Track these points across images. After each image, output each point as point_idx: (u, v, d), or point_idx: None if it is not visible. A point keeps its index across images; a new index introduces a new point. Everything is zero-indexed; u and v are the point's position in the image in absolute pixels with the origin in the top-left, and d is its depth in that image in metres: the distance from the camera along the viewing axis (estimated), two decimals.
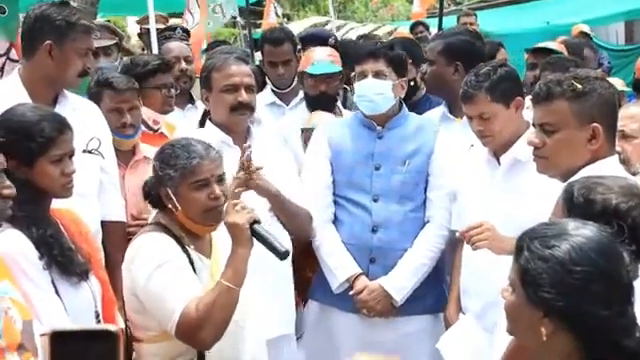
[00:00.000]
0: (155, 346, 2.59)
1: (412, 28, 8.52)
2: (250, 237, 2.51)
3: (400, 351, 3.44)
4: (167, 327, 2.51)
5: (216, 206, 2.60)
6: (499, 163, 3.19)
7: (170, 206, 2.60)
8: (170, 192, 2.59)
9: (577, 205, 1.91)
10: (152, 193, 2.67)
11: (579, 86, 2.43)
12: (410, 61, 4.04)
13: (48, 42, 3.15)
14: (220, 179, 2.64)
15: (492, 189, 3.15)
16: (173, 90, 4.06)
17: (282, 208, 3.29)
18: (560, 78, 2.49)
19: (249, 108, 3.31)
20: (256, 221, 2.53)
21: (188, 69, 4.64)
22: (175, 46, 4.85)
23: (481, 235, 2.88)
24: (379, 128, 3.51)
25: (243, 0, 7.45)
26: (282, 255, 2.54)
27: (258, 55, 6.45)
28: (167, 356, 2.59)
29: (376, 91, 3.45)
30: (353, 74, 3.58)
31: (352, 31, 11.67)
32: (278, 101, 4.55)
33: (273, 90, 4.59)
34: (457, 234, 3.14)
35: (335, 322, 3.52)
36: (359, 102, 3.51)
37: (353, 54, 3.70)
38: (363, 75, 3.46)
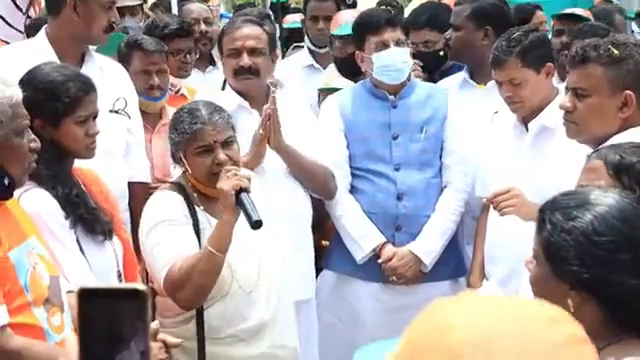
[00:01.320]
0: (164, 301, 2.67)
1: None
2: (234, 204, 2.54)
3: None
4: (157, 282, 2.62)
5: (219, 171, 2.63)
6: (527, 130, 3.15)
7: (183, 167, 2.70)
8: (181, 155, 2.67)
9: (631, 169, 1.87)
10: (173, 155, 2.76)
11: (616, 52, 2.38)
12: (436, 29, 4.00)
13: None
14: (226, 144, 2.67)
15: (519, 156, 3.11)
16: (190, 56, 4.04)
17: (301, 167, 3.27)
18: (598, 42, 2.45)
19: (253, 72, 3.26)
20: (243, 189, 2.54)
21: (208, 31, 4.62)
22: (195, 7, 4.84)
23: (509, 201, 2.85)
24: (392, 97, 3.47)
25: None
26: (253, 224, 2.53)
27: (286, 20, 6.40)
28: (173, 312, 2.67)
29: (402, 59, 3.41)
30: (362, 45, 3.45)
31: None
32: (315, 64, 4.54)
33: (311, 51, 4.57)
34: (483, 200, 3.11)
35: (354, 291, 3.50)
36: (383, 73, 3.43)
37: (365, 24, 3.57)
38: (383, 45, 3.40)
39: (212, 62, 4.65)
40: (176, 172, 2.91)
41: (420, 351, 0.94)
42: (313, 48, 4.56)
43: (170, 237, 2.61)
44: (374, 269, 3.43)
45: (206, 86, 4.22)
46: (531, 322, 0.93)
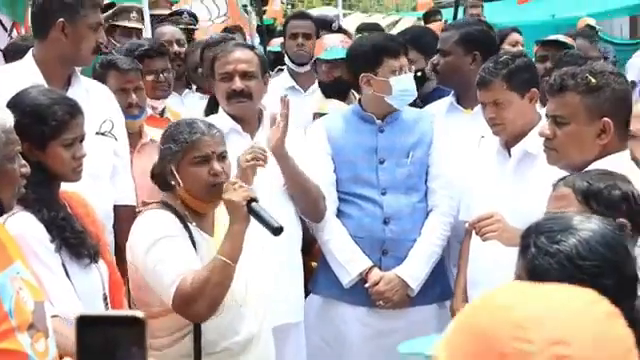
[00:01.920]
0: (157, 321, 2.63)
1: (426, 17, 8.45)
2: (246, 214, 2.58)
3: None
4: (165, 299, 2.59)
5: (216, 182, 2.66)
6: (510, 155, 3.18)
7: (173, 182, 2.67)
8: (173, 168, 2.66)
9: (599, 195, 1.90)
10: (158, 173, 2.74)
11: (593, 80, 2.43)
12: (417, 49, 4.06)
13: (60, 20, 3.16)
14: (221, 157, 2.70)
15: (502, 181, 3.15)
16: (165, 75, 4.04)
17: (296, 178, 3.29)
18: (575, 71, 2.49)
19: (245, 95, 3.29)
20: (253, 199, 2.59)
21: (181, 52, 4.67)
22: (167, 29, 4.91)
23: (491, 226, 2.88)
24: (379, 122, 3.50)
25: None
26: (275, 230, 2.59)
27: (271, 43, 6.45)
28: (169, 331, 2.65)
29: (414, 85, 3.48)
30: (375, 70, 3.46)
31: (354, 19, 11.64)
32: (296, 85, 4.59)
33: (291, 73, 4.63)
34: (466, 225, 3.14)
35: (340, 315, 3.51)
36: (401, 96, 3.45)
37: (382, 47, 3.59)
38: (401, 69, 3.43)
39: (188, 85, 4.67)
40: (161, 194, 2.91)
41: (481, 332, 0.99)
42: (293, 67, 4.63)
43: (173, 253, 2.60)
44: (360, 293, 3.45)
45: (183, 109, 4.26)
46: (575, 302, 1.04)
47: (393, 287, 3.42)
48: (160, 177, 2.74)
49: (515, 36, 5.15)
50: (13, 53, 4.16)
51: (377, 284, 3.42)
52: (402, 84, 3.44)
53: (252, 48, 3.48)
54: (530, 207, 2.71)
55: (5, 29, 4.73)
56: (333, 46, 4.16)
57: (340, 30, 5.06)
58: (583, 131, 2.45)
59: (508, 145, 3.19)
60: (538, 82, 3.27)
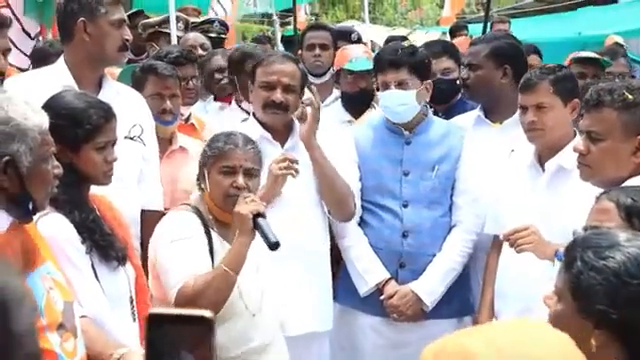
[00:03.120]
0: None
1: (453, 32, 8.44)
2: (252, 227, 2.66)
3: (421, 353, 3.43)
4: (169, 299, 2.65)
5: (235, 195, 2.73)
6: (543, 169, 3.16)
7: (203, 186, 2.79)
8: (205, 172, 2.78)
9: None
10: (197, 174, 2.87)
11: (630, 96, 2.41)
12: (453, 58, 4.06)
13: (81, 20, 3.17)
14: (248, 173, 2.76)
15: (534, 195, 3.12)
16: (193, 82, 4.08)
17: (326, 170, 3.28)
18: (612, 87, 2.47)
19: (283, 108, 3.29)
20: (260, 214, 2.67)
21: (197, 56, 4.69)
22: (191, 35, 5.00)
23: (527, 238, 2.86)
24: (407, 133, 3.49)
25: (280, 4, 7.53)
26: (271, 245, 2.66)
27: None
28: None
29: (400, 102, 3.42)
30: (375, 84, 3.54)
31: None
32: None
33: (307, 86, 4.63)
34: (500, 236, 3.10)
35: (357, 324, 3.51)
36: (385, 111, 3.49)
37: (375, 62, 3.65)
38: (386, 85, 3.43)
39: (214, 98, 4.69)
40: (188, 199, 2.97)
41: None
42: (310, 78, 4.61)
43: (185, 255, 2.68)
44: (377, 303, 3.44)
45: (206, 116, 4.28)
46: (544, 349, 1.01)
47: (407, 302, 3.41)
48: (197, 178, 2.86)
49: (533, 58, 5.08)
50: (38, 58, 4.21)
51: (392, 297, 3.41)
52: (384, 100, 3.47)
53: (297, 62, 3.47)
54: (563, 222, 2.72)
55: (29, 35, 4.78)
56: (358, 57, 4.16)
57: (359, 41, 5.06)
58: (618, 148, 2.44)
59: (542, 159, 3.16)
60: (579, 95, 3.23)
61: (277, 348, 2.81)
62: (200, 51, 4.75)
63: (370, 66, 4.08)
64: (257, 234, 2.68)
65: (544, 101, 3.09)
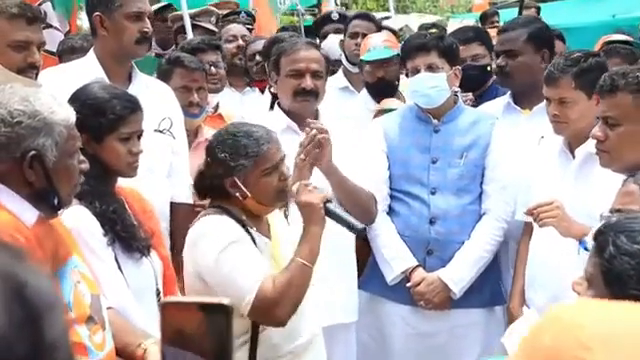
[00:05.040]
0: None
1: (483, 18, 8.34)
2: (324, 216, 2.56)
3: (451, 343, 3.43)
4: (240, 305, 2.51)
5: (286, 186, 2.63)
6: (573, 156, 3.11)
7: (238, 194, 2.58)
8: (238, 180, 2.58)
9: None
10: (209, 183, 2.65)
11: None
12: (484, 44, 4.02)
13: (97, 14, 3.20)
14: (283, 159, 2.67)
15: (564, 181, 3.08)
16: (217, 69, 4.09)
17: (346, 191, 3.24)
18: (625, 70, 2.45)
19: (313, 94, 3.28)
20: (328, 200, 2.59)
21: (246, 48, 4.75)
22: (233, 26, 5.06)
23: (550, 212, 2.82)
24: (435, 121, 3.47)
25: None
26: (359, 231, 2.59)
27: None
28: None
29: (430, 84, 3.40)
30: (406, 70, 3.53)
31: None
32: (350, 86, 4.59)
33: (345, 73, 4.63)
34: (524, 216, 3.05)
35: (386, 312, 3.51)
36: (414, 97, 3.47)
37: (403, 49, 3.63)
38: (416, 70, 3.41)
39: (250, 84, 4.72)
40: None
41: (545, 352, 0.96)
42: (349, 67, 4.62)
43: (246, 257, 2.55)
44: (404, 291, 3.44)
45: (240, 107, 4.29)
46: None
47: (434, 289, 3.39)
48: (213, 186, 2.64)
49: (557, 45, 5.00)
50: (63, 52, 4.25)
51: (419, 284, 3.40)
52: (412, 85, 3.45)
53: (318, 48, 3.45)
54: (593, 209, 2.67)
55: (60, 31, 4.83)
56: (376, 46, 4.14)
57: (340, 19, 5.03)
58: (636, 131, 2.41)
59: (571, 146, 3.12)
60: None
61: (319, 342, 2.76)
62: (241, 42, 4.82)
63: (387, 54, 4.07)
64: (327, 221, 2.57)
65: (566, 96, 3.04)
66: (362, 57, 4.19)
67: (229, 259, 2.52)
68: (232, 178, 2.58)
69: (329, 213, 2.57)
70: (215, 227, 2.59)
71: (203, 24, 5.06)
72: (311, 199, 2.56)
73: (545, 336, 0.98)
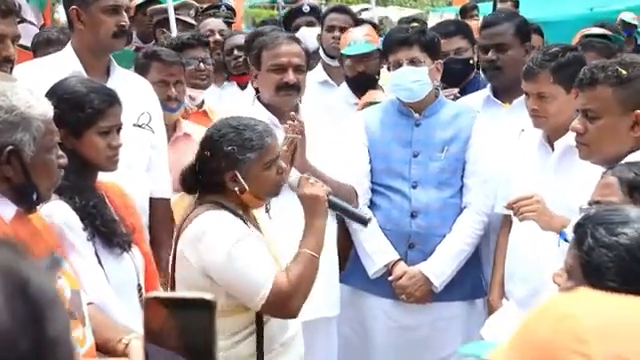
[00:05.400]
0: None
1: (463, 11, 8.37)
2: (327, 209, 2.60)
3: (433, 336, 3.45)
4: (253, 300, 2.52)
5: (282, 180, 2.65)
6: (552, 149, 3.13)
7: (236, 189, 2.56)
8: (238, 174, 2.56)
9: None
10: (205, 178, 2.61)
11: (624, 72, 2.40)
12: (466, 38, 4.02)
13: (73, 8, 3.18)
14: (279, 152, 2.69)
15: (544, 174, 3.09)
16: (205, 65, 4.09)
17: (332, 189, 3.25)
18: (605, 64, 2.47)
19: (296, 88, 3.28)
20: (330, 193, 2.62)
21: (223, 42, 4.73)
22: (211, 20, 5.02)
23: (531, 206, 2.84)
24: (416, 115, 3.48)
25: None
26: (366, 222, 2.63)
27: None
28: (228, 333, 2.57)
29: (412, 78, 3.41)
30: (387, 64, 3.53)
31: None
32: (329, 80, 4.58)
33: (324, 67, 4.62)
34: (504, 207, 3.08)
35: (367, 306, 3.52)
36: (396, 91, 3.47)
37: (384, 43, 3.62)
38: (398, 64, 3.42)
39: (228, 78, 4.70)
40: None
41: (540, 344, 0.95)
42: (327, 60, 4.62)
43: (257, 251, 2.54)
44: (386, 285, 3.45)
45: (219, 102, 4.28)
46: None
47: (416, 282, 3.41)
48: (209, 181, 2.60)
49: (536, 39, 5.01)
50: (38, 45, 4.21)
51: (400, 278, 3.41)
52: (395, 79, 3.45)
53: (299, 42, 3.44)
54: (572, 201, 2.69)
55: (34, 25, 4.78)
56: (356, 40, 4.14)
57: (312, 12, 5.04)
58: (616, 124, 2.43)
59: (551, 139, 3.14)
60: None
61: (300, 337, 2.76)
62: (218, 36, 4.77)
63: (368, 49, 4.07)
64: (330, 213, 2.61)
65: (545, 91, 3.05)
66: (343, 51, 4.19)
67: (241, 254, 2.51)
68: (233, 172, 2.56)
69: (333, 206, 2.61)
70: (221, 222, 2.56)
71: (182, 17, 5.02)
72: (316, 192, 2.60)
73: (539, 328, 0.98)
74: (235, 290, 2.55)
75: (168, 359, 0.84)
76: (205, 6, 5.57)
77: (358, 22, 4.78)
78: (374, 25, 4.99)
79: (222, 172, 2.57)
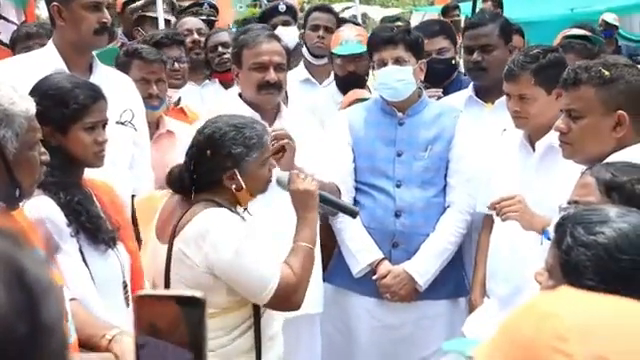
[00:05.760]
0: (212, 322, 2.56)
1: (445, 11, 8.41)
2: (318, 203, 2.66)
3: (416, 334, 3.46)
4: (260, 295, 2.53)
5: (271, 176, 2.68)
6: (533, 149, 3.15)
7: (233, 187, 2.56)
8: (237, 172, 2.56)
9: (621, 188, 1.88)
10: (201, 177, 2.60)
11: (606, 73, 2.43)
12: (449, 38, 4.04)
13: (54, 4, 3.16)
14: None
15: (525, 174, 3.12)
16: (180, 64, 4.08)
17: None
18: (588, 64, 2.50)
19: (277, 87, 3.29)
20: (319, 187, 2.68)
21: (201, 40, 4.70)
22: (188, 19, 4.98)
23: (513, 207, 2.87)
24: (400, 114, 3.50)
25: None
26: (354, 213, 2.70)
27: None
28: (226, 329, 2.57)
29: (397, 77, 3.42)
30: (371, 63, 3.54)
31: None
32: (312, 78, 4.58)
33: (306, 65, 4.63)
34: (486, 208, 3.11)
35: (351, 305, 3.53)
36: (381, 90, 3.49)
37: (369, 41, 3.63)
38: (382, 63, 3.43)
39: (209, 77, 4.68)
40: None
41: (522, 341, 0.96)
42: (310, 59, 4.62)
43: (263, 246, 2.57)
44: (370, 284, 3.45)
45: (198, 101, 4.28)
46: (626, 316, 1.00)
47: (400, 281, 3.42)
48: (204, 179, 2.60)
49: (517, 40, 5.04)
50: (18, 40, 4.19)
51: (385, 277, 3.42)
52: (378, 77, 3.47)
53: (279, 39, 3.45)
54: (553, 201, 2.71)
55: (14, 23, 4.75)
56: (348, 40, 4.15)
57: (287, 11, 5.06)
58: (599, 124, 2.46)
59: (532, 139, 3.16)
60: None
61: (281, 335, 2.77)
62: (196, 36, 4.73)
63: (359, 50, 4.08)
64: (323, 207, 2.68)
65: (526, 92, 3.08)
66: (334, 50, 4.19)
67: (248, 250, 2.52)
68: (233, 170, 2.56)
69: (324, 199, 2.66)
70: (224, 220, 2.55)
71: (151, 14, 4.99)
72: (308, 187, 2.65)
73: (522, 326, 0.99)
74: (241, 286, 2.56)
75: (161, 349, 0.85)
76: (186, 4, 5.55)
77: (341, 21, 4.79)
78: (356, 24, 5.00)
79: (223, 171, 2.57)
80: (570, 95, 2.50)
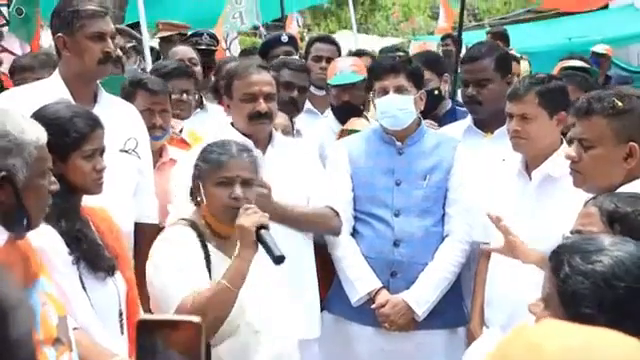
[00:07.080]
0: None
1: (443, 41, 8.54)
2: (255, 241, 2.58)
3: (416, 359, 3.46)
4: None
5: (234, 206, 2.67)
6: (530, 178, 3.18)
7: (199, 199, 2.73)
8: (200, 185, 2.72)
9: (624, 219, 1.90)
10: (191, 188, 2.79)
11: (620, 103, 2.44)
12: (431, 69, 4.07)
13: (59, 36, 3.21)
14: (246, 182, 2.71)
15: (522, 203, 3.14)
16: (188, 96, 4.10)
17: (293, 221, 3.29)
18: (602, 95, 2.50)
19: (268, 117, 3.32)
20: (263, 226, 2.59)
21: (194, 71, 4.71)
22: (179, 49, 5.01)
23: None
24: (399, 144, 3.52)
25: (269, 15, 7.59)
26: (276, 259, 2.57)
27: None
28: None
29: (399, 106, 3.46)
30: (372, 91, 3.56)
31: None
32: (313, 108, 4.63)
33: (309, 97, 4.67)
34: (481, 246, 3.14)
35: (351, 334, 3.53)
36: (381, 118, 3.51)
37: (371, 70, 3.67)
38: (384, 91, 3.46)
39: (201, 105, 4.70)
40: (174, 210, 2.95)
41: None
42: (312, 90, 4.66)
43: (182, 273, 2.61)
44: (369, 313, 3.46)
45: (196, 128, 4.30)
46: (614, 348, 1.01)
47: (399, 311, 3.42)
48: (192, 192, 2.79)
49: (515, 67, 5.09)
50: (14, 71, 4.24)
51: (383, 306, 3.43)
52: (381, 106, 3.49)
53: (268, 69, 3.49)
54: (550, 230, 2.74)
55: (17, 55, 4.80)
56: (343, 70, 4.20)
57: (290, 41, 5.13)
58: (610, 154, 2.46)
59: (529, 168, 3.19)
60: (568, 108, 3.20)
61: None
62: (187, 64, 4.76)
63: (354, 79, 4.12)
64: (260, 248, 2.60)
65: (529, 112, 3.12)
66: (329, 81, 4.24)
67: (165, 271, 2.63)
68: (197, 182, 2.73)
69: (258, 239, 2.59)
70: (168, 239, 2.70)
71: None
72: (244, 222, 2.59)
73: (512, 353, 1.01)
74: (154, 302, 2.68)
75: None
76: (167, 34, 5.58)
77: (357, 53, 4.82)
78: (357, 54, 5.06)
79: (193, 183, 2.76)
80: (582, 124, 2.51)
